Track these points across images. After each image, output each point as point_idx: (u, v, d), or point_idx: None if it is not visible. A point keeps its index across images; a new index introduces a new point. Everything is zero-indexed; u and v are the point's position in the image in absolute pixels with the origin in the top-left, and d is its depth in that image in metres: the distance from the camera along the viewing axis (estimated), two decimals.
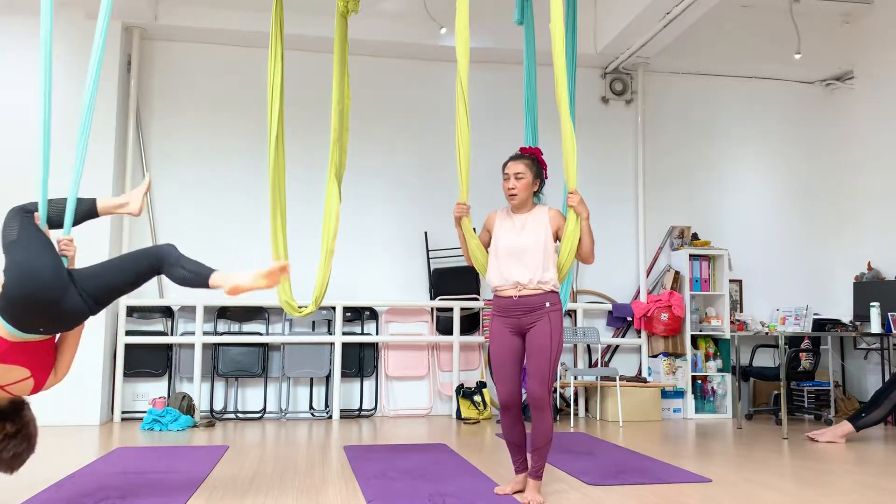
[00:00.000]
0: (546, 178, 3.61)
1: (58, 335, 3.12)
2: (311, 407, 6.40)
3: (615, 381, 6.25)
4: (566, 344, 6.72)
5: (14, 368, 2.91)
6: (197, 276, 3.06)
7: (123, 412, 6.04)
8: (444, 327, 6.62)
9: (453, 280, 6.60)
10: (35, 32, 5.93)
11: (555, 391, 6.47)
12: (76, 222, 3.20)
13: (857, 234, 7.08)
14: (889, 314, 5.80)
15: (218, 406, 6.26)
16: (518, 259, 3.41)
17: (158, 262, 3.08)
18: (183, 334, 6.25)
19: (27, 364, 2.94)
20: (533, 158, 3.55)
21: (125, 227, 6.17)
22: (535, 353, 3.36)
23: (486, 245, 3.59)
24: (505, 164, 3.54)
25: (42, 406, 5.44)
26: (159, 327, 6.28)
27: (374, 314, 6.64)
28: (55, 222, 3.11)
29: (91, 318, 3.09)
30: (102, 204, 3.29)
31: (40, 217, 3.07)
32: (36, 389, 3.03)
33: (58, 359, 3.11)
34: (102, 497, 3.33)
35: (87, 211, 3.24)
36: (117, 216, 6.03)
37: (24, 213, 3.04)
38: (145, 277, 3.11)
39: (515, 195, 3.48)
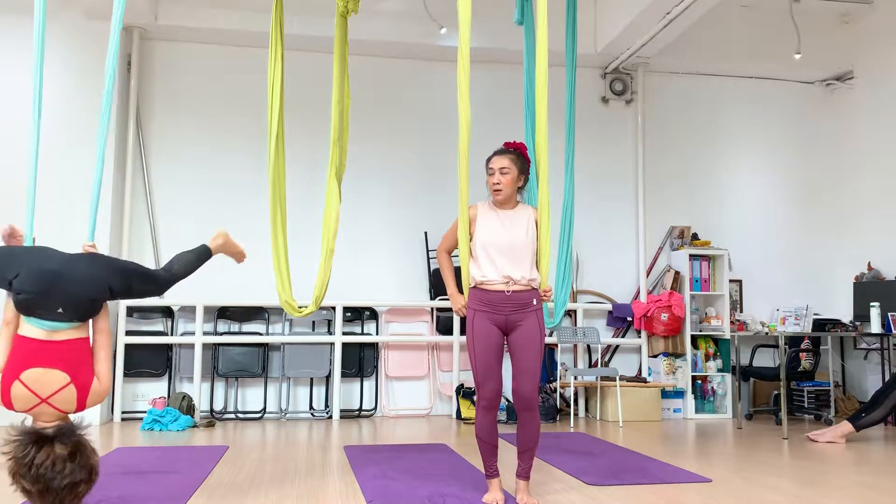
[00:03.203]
0: (529, 173, 3.53)
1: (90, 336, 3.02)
2: (311, 407, 6.40)
3: (615, 381, 6.26)
4: (566, 344, 6.73)
5: (50, 372, 2.77)
6: (196, 253, 3.44)
7: (123, 412, 6.04)
8: (444, 327, 6.62)
9: None
10: (31, 32, 6.00)
11: (554, 391, 6.47)
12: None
13: (857, 234, 7.08)
14: (889, 314, 5.80)
15: (218, 406, 6.26)
16: (506, 255, 3.32)
17: (153, 280, 3.26)
18: (183, 334, 6.25)
19: (64, 367, 2.80)
20: (518, 153, 3.45)
21: (125, 227, 6.17)
22: (525, 351, 3.30)
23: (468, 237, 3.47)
24: (489, 159, 3.46)
25: None
26: (159, 327, 6.28)
27: (374, 314, 6.64)
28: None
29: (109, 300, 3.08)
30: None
31: (25, 237, 3.20)
32: (81, 400, 2.84)
33: (94, 361, 2.96)
34: (102, 497, 3.32)
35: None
36: (117, 217, 6.07)
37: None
38: (141, 290, 3.22)
39: (500, 190, 3.39)
